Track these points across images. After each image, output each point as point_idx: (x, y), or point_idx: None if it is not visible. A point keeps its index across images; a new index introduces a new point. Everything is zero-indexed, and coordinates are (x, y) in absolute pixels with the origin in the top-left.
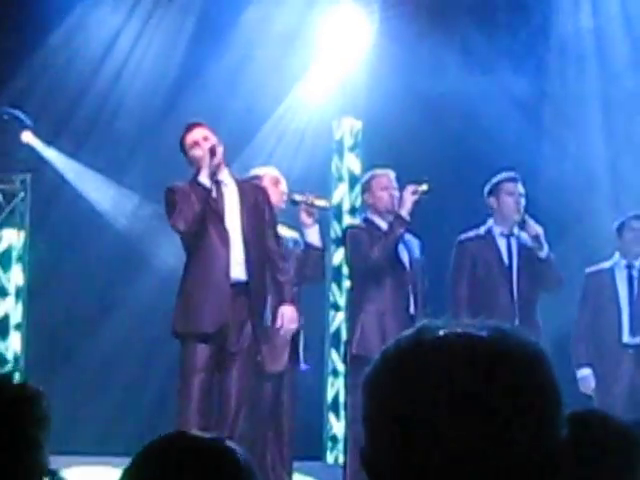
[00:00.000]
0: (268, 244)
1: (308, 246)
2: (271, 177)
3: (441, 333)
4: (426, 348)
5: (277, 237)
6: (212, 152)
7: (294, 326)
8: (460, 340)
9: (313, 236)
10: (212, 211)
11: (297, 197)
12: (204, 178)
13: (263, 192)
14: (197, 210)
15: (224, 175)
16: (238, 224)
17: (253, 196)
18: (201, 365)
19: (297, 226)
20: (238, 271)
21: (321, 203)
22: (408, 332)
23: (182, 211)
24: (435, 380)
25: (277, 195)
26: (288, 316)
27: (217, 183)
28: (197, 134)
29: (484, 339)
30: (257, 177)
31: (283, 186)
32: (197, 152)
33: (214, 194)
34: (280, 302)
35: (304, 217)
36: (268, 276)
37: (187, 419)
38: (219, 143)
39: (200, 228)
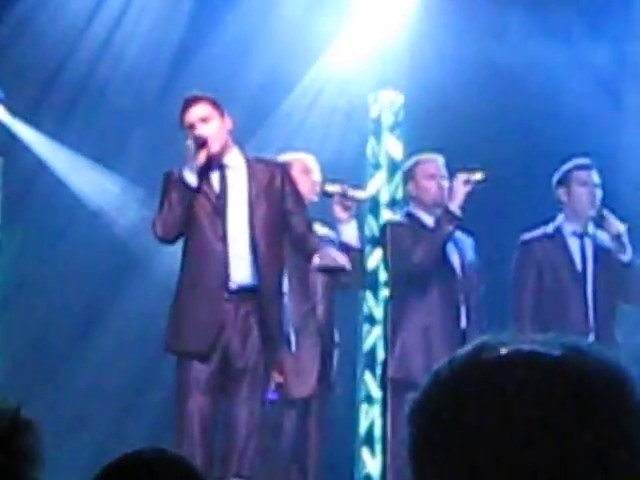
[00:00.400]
0: (295, 232)
1: (343, 246)
2: (301, 165)
3: (503, 351)
4: (486, 370)
5: (306, 220)
6: (201, 143)
7: (339, 260)
8: (526, 360)
9: (349, 234)
10: (206, 204)
11: (330, 188)
12: (189, 175)
13: (282, 171)
14: (177, 214)
15: (231, 156)
16: (244, 216)
17: (267, 178)
18: (198, 388)
19: (331, 223)
20: (242, 274)
21: (358, 195)
22: (464, 350)
23: (161, 214)
24: (498, 408)
25: (307, 186)
26: (334, 253)
27: (220, 168)
28: (194, 113)
29: (555, 359)
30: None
31: (315, 175)
32: (188, 139)
33: (213, 183)
34: (312, 307)
35: (339, 211)
36: (294, 274)
37: (185, 453)
38: (224, 120)
39: (186, 230)
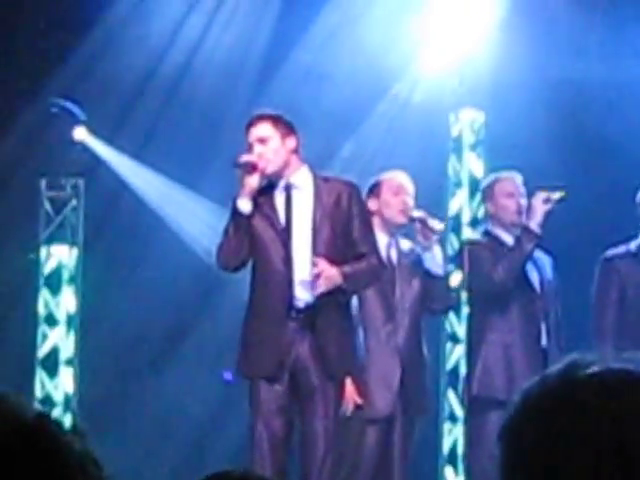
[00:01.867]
0: (357, 253)
1: (427, 274)
2: (391, 184)
3: (594, 370)
4: (578, 388)
5: (372, 245)
6: (249, 169)
7: (326, 284)
8: (619, 378)
9: (431, 261)
10: (270, 227)
11: (414, 213)
12: (242, 203)
13: (349, 191)
14: (233, 244)
15: (297, 176)
16: (308, 238)
17: (333, 198)
18: (268, 409)
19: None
20: (303, 293)
21: (435, 225)
22: (554, 369)
23: (221, 244)
24: (592, 427)
25: (397, 208)
26: (327, 272)
27: (287, 188)
28: (253, 134)
29: None
30: (376, 184)
31: (407, 197)
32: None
33: (278, 204)
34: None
35: (421, 239)
36: (376, 294)
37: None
38: (287, 139)
39: (252, 255)
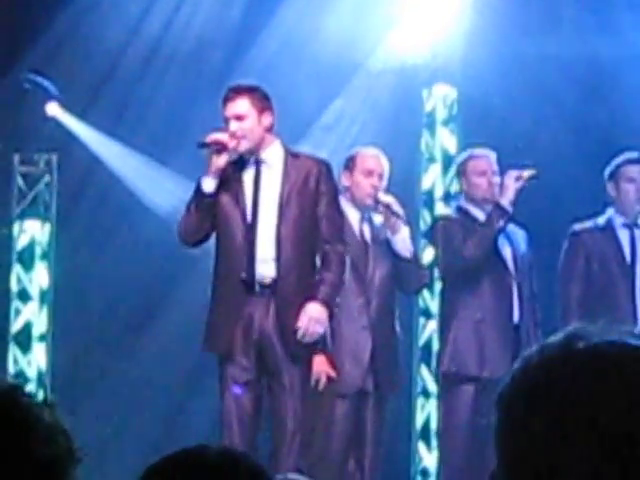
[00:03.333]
0: (321, 233)
1: (395, 256)
2: (364, 165)
3: (595, 341)
4: (578, 358)
5: (336, 226)
6: (219, 149)
7: (318, 328)
8: (618, 350)
9: (399, 244)
10: (235, 202)
11: (381, 197)
12: (207, 182)
13: (319, 168)
14: (194, 221)
15: (269, 152)
16: (274, 215)
17: (302, 176)
18: (236, 384)
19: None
20: (268, 269)
21: (398, 212)
22: (554, 339)
23: (181, 221)
24: (591, 399)
25: (366, 190)
26: (310, 314)
27: (256, 163)
28: (230, 109)
29: None
30: (351, 159)
31: (375, 180)
32: (205, 149)
33: (246, 179)
34: (367, 302)
35: (385, 221)
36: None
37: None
38: (262, 116)
39: (215, 228)
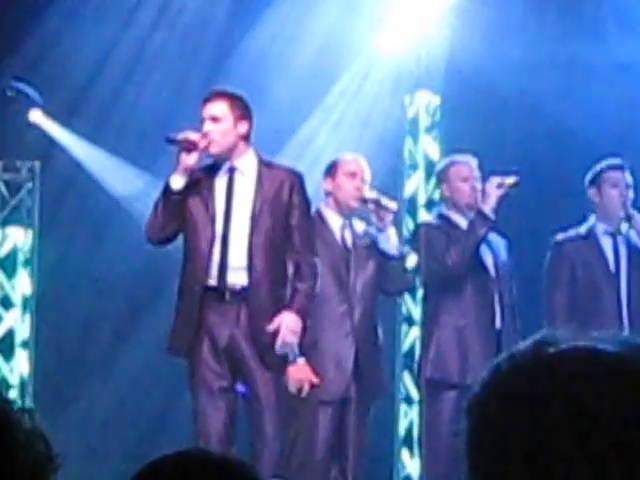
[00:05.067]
0: (293, 244)
1: (382, 254)
2: (345, 168)
3: (563, 347)
4: (547, 364)
5: (308, 237)
6: (188, 148)
7: (293, 338)
8: (586, 355)
9: (387, 242)
10: (204, 207)
11: (367, 195)
12: (175, 180)
13: (292, 180)
14: (161, 219)
15: (243, 160)
16: (247, 223)
17: (275, 187)
18: (209, 389)
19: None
20: (238, 277)
21: (389, 205)
22: (523, 345)
23: (149, 219)
24: (560, 403)
25: (350, 192)
26: (287, 324)
27: (230, 171)
28: (207, 110)
29: (614, 355)
30: (332, 165)
31: (361, 181)
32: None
33: (218, 186)
34: (350, 309)
35: (375, 220)
36: (330, 275)
37: None
38: (239, 122)
39: (183, 232)
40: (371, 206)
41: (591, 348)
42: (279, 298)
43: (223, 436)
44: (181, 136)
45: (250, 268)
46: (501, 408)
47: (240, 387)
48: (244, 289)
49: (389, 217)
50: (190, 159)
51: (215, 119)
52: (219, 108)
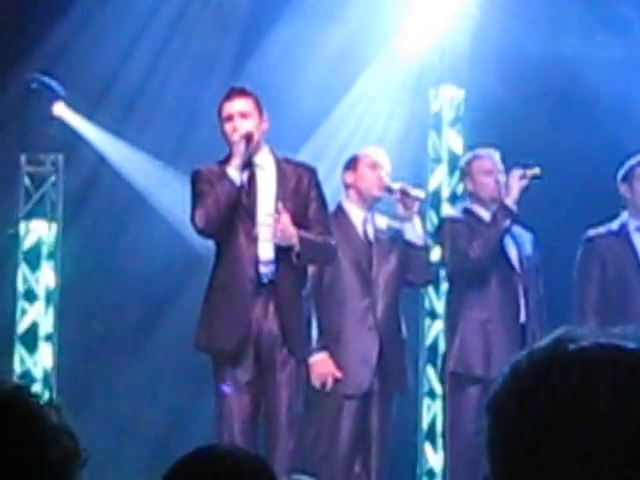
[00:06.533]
0: (313, 233)
1: (407, 244)
2: (368, 159)
3: (583, 344)
4: (567, 362)
5: (326, 228)
6: (248, 138)
7: (292, 239)
8: (606, 353)
9: (412, 232)
10: (240, 203)
11: (393, 185)
12: (233, 171)
13: (309, 175)
14: (222, 209)
15: (261, 156)
16: (270, 217)
17: (294, 181)
18: (236, 385)
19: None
20: (267, 270)
21: (418, 194)
22: (543, 342)
23: (204, 207)
24: (579, 400)
25: (373, 181)
26: (286, 223)
27: (250, 166)
28: (235, 106)
29: (634, 352)
30: (353, 159)
31: (383, 172)
32: (228, 130)
33: (244, 183)
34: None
35: (400, 209)
36: (352, 270)
37: None
38: (262, 120)
39: (224, 227)
40: (397, 196)
41: (612, 345)
42: (302, 291)
43: (248, 431)
44: (247, 129)
45: (277, 261)
46: (519, 406)
47: (226, 387)
48: (270, 281)
49: (416, 206)
50: (247, 151)
51: (244, 115)
52: (245, 105)
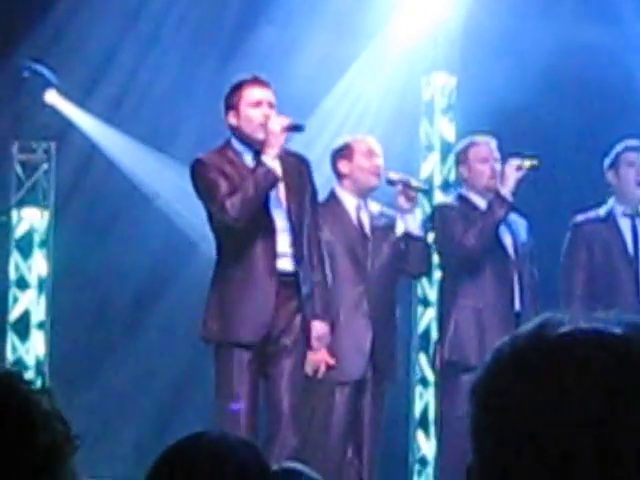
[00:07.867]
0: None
1: (408, 236)
2: (365, 146)
3: (565, 329)
4: (549, 347)
5: (315, 219)
6: (291, 128)
7: (323, 343)
8: (589, 338)
9: (413, 223)
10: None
11: (394, 176)
12: (270, 160)
13: (307, 166)
14: (261, 197)
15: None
16: (283, 209)
17: (296, 172)
18: (244, 376)
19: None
20: (284, 262)
21: (418, 184)
22: (525, 328)
23: (242, 194)
24: (561, 386)
25: (369, 170)
26: (318, 333)
27: (257, 155)
28: (266, 94)
29: (617, 337)
30: (346, 147)
31: (378, 160)
32: (256, 116)
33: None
34: (365, 290)
35: (402, 201)
36: (346, 257)
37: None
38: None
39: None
40: (399, 187)
41: (595, 330)
42: (313, 281)
43: (248, 419)
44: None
45: (295, 255)
46: (500, 392)
47: (235, 405)
48: (290, 274)
49: (416, 198)
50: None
51: (272, 105)
52: (272, 96)
